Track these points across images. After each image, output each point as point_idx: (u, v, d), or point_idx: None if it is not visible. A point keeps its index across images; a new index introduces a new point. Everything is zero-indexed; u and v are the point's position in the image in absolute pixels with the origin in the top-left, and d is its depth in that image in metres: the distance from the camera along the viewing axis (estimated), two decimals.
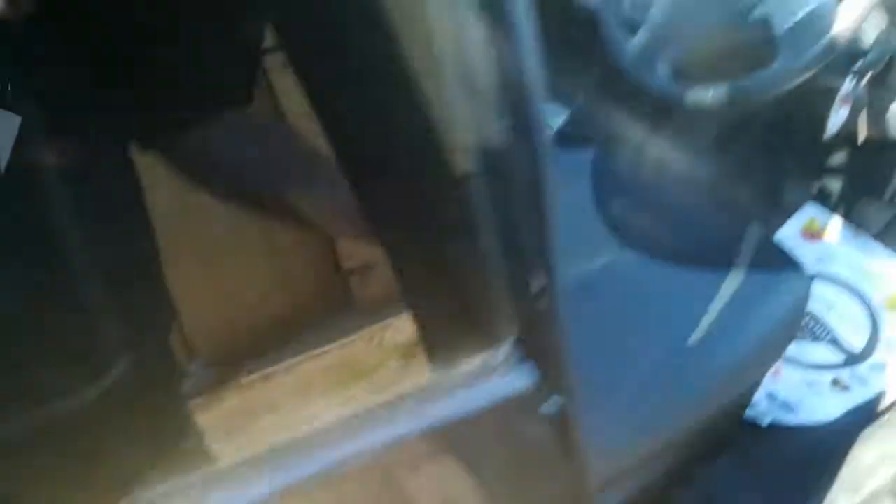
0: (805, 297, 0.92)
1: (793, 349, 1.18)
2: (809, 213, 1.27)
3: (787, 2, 0.82)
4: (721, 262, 0.92)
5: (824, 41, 0.80)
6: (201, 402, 1.45)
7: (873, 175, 1.18)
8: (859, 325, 1.18)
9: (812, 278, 0.91)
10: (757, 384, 1.02)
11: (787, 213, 1.25)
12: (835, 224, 1.24)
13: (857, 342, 1.17)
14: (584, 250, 0.96)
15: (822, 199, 1.26)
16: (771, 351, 0.92)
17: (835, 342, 1.17)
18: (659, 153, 1.14)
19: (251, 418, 1.45)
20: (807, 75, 0.82)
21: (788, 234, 1.26)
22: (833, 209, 1.25)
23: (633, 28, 0.97)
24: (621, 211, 1.01)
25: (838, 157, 1.22)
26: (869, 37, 0.91)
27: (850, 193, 1.23)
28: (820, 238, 1.25)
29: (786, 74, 0.83)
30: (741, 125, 1.22)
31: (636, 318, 0.89)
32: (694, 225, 0.98)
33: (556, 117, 1.60)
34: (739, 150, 1.24)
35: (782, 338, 0.93)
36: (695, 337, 0.87)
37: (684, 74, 0.92)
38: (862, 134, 0.95)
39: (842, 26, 0.79)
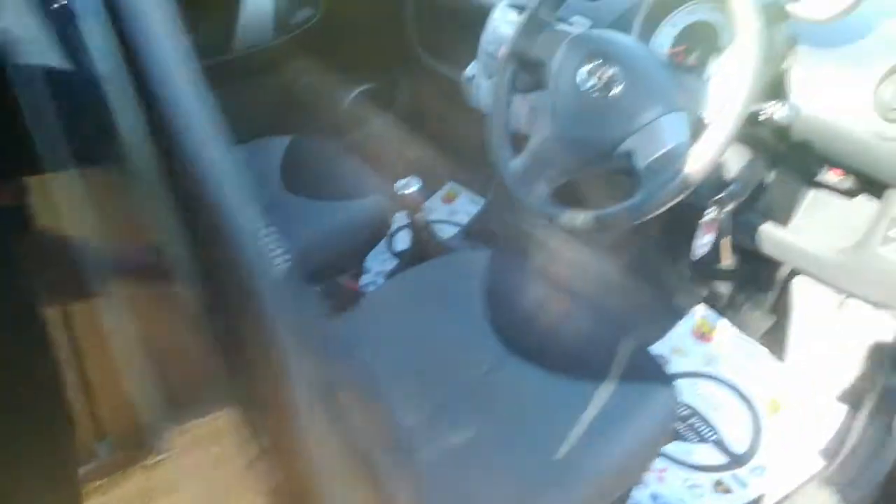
0: (673, 409, 0.96)
1: (679, 450, 1.21)
2: (700, 313, 1.32)
3: (647, 140, 0.87)
4: (596, 371, 0.96)
5: (679, 178, 0.86)
6: (103, 483, 1.44)
7: (755, 284, 1.23)
8: (743, 426, 1.22)
9: (675, 387, 0.95)
10: (629, 492, 1.05)
11: (679, 314, 1.30)
12: (723, 326, 1.29)
13: (740, 444, 1.20)
14: (468, 357, 0.99)
15: (712, 301, 1.31)
16: (639, 460, 0.95)
17: (720, 443, 1.21)
18: (555, 256, 1.18)
19: (149, 499, 1.44)
20: (664, 208, 0.87)
21: (681, 334, 1.31)
22: (721, 312, 1.30)
23: (522, 142, 1.02)
24: (511, 314, 1.04)
25: (725, 264, 1.28)
26: (732, 169, 0.98)
27: (736, 299, 1.28)
28: (710, 339, 1.30)
29: (646, 206, 0.88)
30: (633, 233, 1.28)
31: (512, 426, 0.92)
32: (574, 333, 1.02)
33: (475, 207, 1.65)
34: (632, 254, 1.29)
35: (650, 447, 0.96)
36: (565, 447, 0.90)
37: (561, 196, 0.97)
38: (726, 259, 1.01)
39: (696, 166, 0.85)
